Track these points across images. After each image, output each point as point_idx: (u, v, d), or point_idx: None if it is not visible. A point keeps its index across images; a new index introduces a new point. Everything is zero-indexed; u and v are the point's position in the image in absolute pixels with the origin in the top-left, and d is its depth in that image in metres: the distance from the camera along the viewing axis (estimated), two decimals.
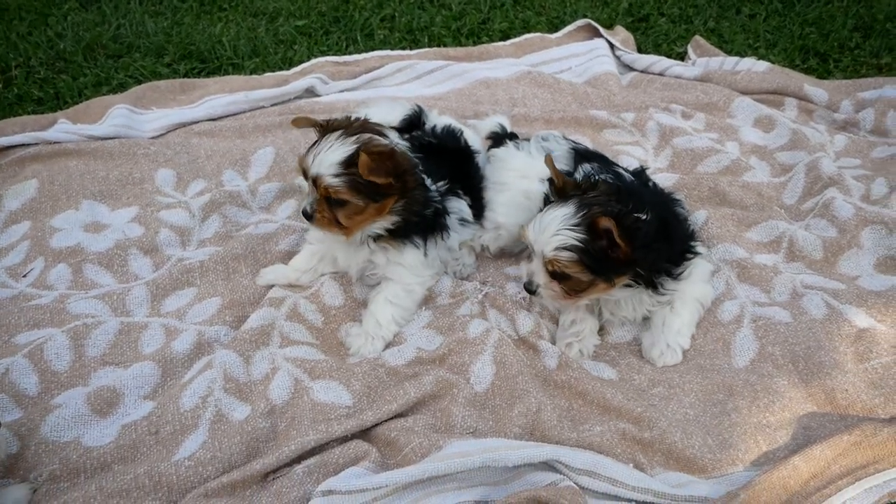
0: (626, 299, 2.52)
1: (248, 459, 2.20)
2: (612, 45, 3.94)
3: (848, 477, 2.10)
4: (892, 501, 2.11)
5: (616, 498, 2.12)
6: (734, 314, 2.63)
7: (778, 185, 3.11)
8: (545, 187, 2.54)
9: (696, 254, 2.53)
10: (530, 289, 2.44)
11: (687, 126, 3.37)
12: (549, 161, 2.45)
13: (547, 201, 2.48)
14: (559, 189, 2.41)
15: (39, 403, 2.38)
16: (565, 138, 2.83)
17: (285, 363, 2.44)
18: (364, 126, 2.47)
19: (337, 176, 2.34)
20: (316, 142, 2.42)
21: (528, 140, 2.75)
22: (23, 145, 3.23)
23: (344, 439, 2.25)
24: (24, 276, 2.76)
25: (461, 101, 3.54)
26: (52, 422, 2.30)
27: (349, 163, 2.34)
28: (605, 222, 2.23)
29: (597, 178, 2.49)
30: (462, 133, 2.89)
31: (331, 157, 2.35)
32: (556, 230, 2.29)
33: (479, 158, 2.89)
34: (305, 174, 2.41)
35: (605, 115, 3.42)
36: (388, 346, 2.54)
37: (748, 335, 2.56)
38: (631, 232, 2.26)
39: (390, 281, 2.59)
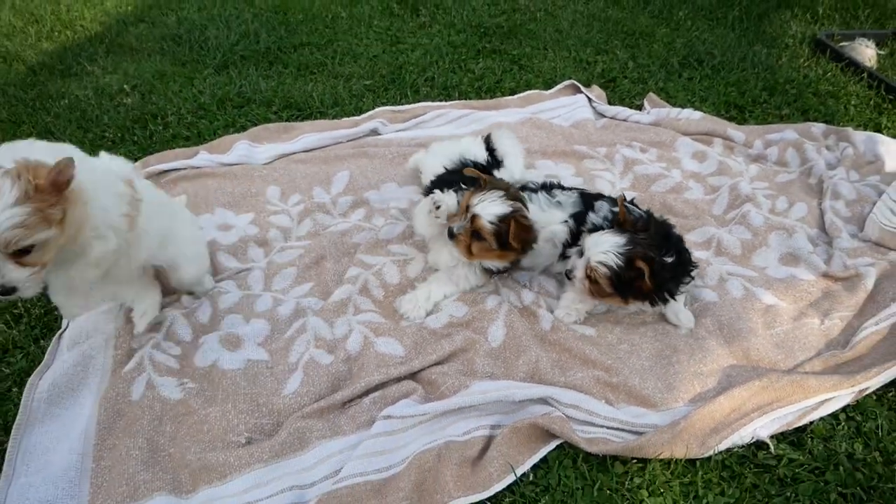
0: None
1: (332, 392, 2.20)
2: (589, 99, 3.86)
3: (758, 411, 2.08)
4: (788, 429, 2.08)
5: (592, 424, 2.11)
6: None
7: (709, 200, 3.05)
8: (566, 227, 2.50)
9: (692, 279, 2.41)
10: (568, 275, 2.38)
11: (643, 157, 3.30)
12: (620, 201, 2.38)
13: (572, 237, 2.49)
14: (621, 223, 2.34)
15: (192, 343, 2.39)
16: (568, 188, 2.70)
17: (357, 325, 2.42)
18: (517, 195, 2.42)
19: (490, 223, 2.30)
20: (481, 188, 2.37)
21: (535, 192, 2.62)
22: (176, 169, 3.22)
23: (398, 379, 2.24)
24: None
25: None
26: (199, 355, 2.32)
27: (502, 218, 2.30)
28: (641, 264, 2.19)
29: (647, 219, 2.41)
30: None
31: (493, 208, 2.31)
32: (605, 250, 2.24)
33: None
34: (467, 207, 2.36)
35: (584, 149, 3.36)
36: (427, 314, 2.50)
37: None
38: (657, 275, 2.21)
39: (451, 277, 2.55)
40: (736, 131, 3.46)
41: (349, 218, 2.96)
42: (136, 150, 3.49)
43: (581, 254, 2.37)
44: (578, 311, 2.46)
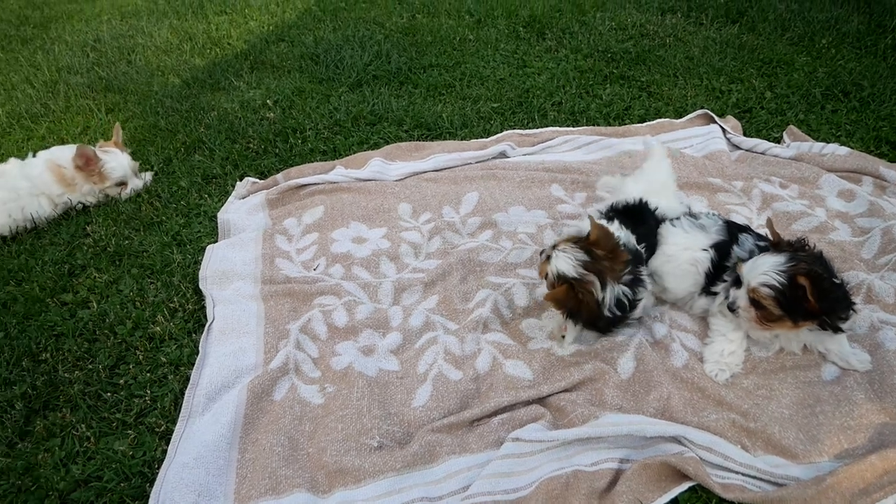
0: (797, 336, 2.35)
1: (461, 409, 2.26)
2: (724, 130, 3.76)
3: None
4: None
5: (727, 469, 2.04)
6: None
7: (857, 243, 2.88)
8: (709, 255, 2.45)
9: (856, 311, 2.29)
10: (732, 308, 2.31)
11: (783, 193, 3.18)
12: (769, 224, 2.35)
13: (717, 266, 2.42)
14: (774, 244, 2.29)
15: (327, 343, 2.55)
16: (716, 214, 2.63)
17: (486, 345, 2.48)
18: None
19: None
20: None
21: (678, 218, 2.59)
22: (314, 183, 3.42)
23: (527, 403, 2.27)
24: (314, 269, 2.93)
25: (610, 166, 3.49)
26: (335, 359, 2.48)
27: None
28: (803, 280, 2.12)
29: (803, 240, 2.33)
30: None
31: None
32: (765, 271, 2.18)
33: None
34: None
35: (719, 181, 3.28)
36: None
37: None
38: (823, 292, 2.13)
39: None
40: (889, 170, 3.26)
41: (477, 238, 3.03)
42: (276, 161, 3.75)
43: (738, 283, 2.30)
44: (731, 365, 2.35)
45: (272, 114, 4.18)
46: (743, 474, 2.02)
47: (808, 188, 3.23)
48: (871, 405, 2.20)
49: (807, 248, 2.27)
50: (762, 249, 2.36)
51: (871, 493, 1.91)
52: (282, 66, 4.89)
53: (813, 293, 2.11)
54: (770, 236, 2.34)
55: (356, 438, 2.16)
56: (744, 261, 2.33)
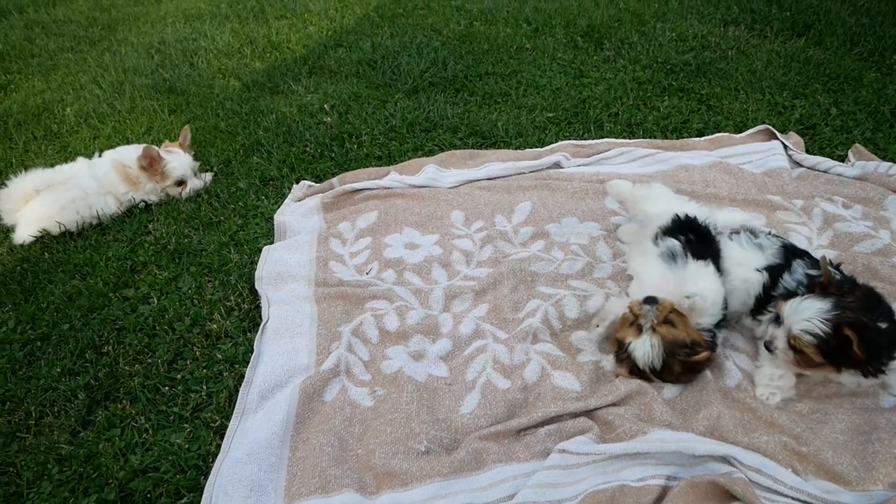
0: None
1: (508, 418, 2.30)
2: (785, 146, 3.70)
3: None
4: None
5: (777, 493, 2.03)
6: None
7: None
8: (762, 277, 2.43)
9: None
10: (769, 348, 2.29)
11: (846, 214, 3.12)
12: (823, 263, 2.30)
13: (766, 291, 2.39)
14: (824, 285, 2.24)
15: (378, 346, 2.62)
16: (774, 235, 2.61)
17: (535, 355, 2.51)
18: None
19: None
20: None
21: (738, 233, 2.58)
22: (369, 188, 3.51)
23: (574, 415, 2.29)
24: (367, 273, 3.01)
25: (666, 180, 3.47)
26: (385, 363, 2.55)
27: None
28: (849, 332, 2.08)
29: (853, 281, 2.29)
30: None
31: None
32: (809, 317, 2.15)
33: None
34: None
35: (779, 199, 3.24)
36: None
37: None
38: (869, 344, 2.09)
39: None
40: None
41: (529, 248, 3.07)
42: (332, 165, 3.85)
43: (777, 321, 2.27)
44: (782, 388, 2.32)
45: (329, 118, 4.29)
46: (792, 498, 2.01)
47: (873, 209, 3.16)
48: None
49: (856, 291, 2.21)
50: (810, 280, 2.32)
51: None
52: (339, 72, 5.01)
53: (860, 346, 2.07)
54: (823, 276, 2.28)
55: (404, 442, 2.21)
56: (786, 297, 2.29)
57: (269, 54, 5.43)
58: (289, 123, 4.26)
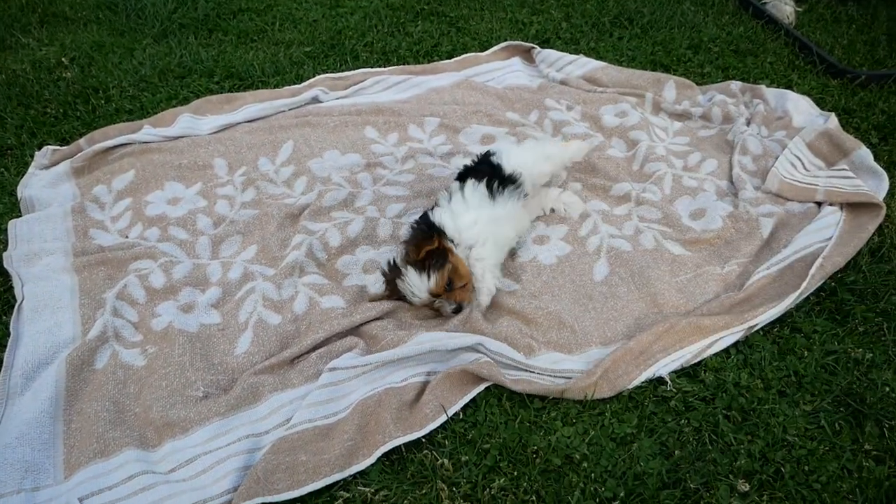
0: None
1: (281, 350, 2.44)
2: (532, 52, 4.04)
3: (662, 353, 2.38)
4: (686, 367, 2.38)
5: (517, 369, 2.37)
6: (596, 245, 2.85)
7: (629, 157, 3.30)
8: None
9: None
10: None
11: (569, 117, 3.52)
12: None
13: None
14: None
15: (146, 306, 2.62)
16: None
17: (303, 287, 2.66)
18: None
19: None
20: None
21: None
22: (121, 145, 3.35)
23: (342, 335, 2.48)
24: (127, 236, 2.93)
25: (420, 104, 3.69)
26: (155, 320, 2.56)
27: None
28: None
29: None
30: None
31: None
32: None
33: None
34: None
35: (517, 116, 3.58)
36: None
37: (603, 260, 2.79)
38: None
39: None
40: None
41: (292, 188, 3.15)
42: (79, 125, 3.60)
43: None
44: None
45: (69, 73, 3.96)
46: (529, 371, 2.37)
47: (591, 108, 3.60)
48: (632, 297, 2.63)
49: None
50: None
51: (629, 372, 2.32)
52: (76, 18, 4.58)
53: None
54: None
55: (181, 392, 2.29)
56: None
57: None
58: (22, 83, 3.86)
